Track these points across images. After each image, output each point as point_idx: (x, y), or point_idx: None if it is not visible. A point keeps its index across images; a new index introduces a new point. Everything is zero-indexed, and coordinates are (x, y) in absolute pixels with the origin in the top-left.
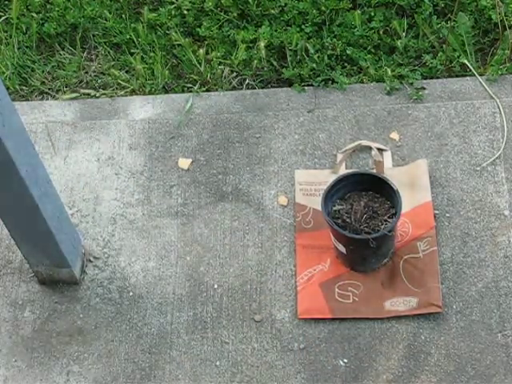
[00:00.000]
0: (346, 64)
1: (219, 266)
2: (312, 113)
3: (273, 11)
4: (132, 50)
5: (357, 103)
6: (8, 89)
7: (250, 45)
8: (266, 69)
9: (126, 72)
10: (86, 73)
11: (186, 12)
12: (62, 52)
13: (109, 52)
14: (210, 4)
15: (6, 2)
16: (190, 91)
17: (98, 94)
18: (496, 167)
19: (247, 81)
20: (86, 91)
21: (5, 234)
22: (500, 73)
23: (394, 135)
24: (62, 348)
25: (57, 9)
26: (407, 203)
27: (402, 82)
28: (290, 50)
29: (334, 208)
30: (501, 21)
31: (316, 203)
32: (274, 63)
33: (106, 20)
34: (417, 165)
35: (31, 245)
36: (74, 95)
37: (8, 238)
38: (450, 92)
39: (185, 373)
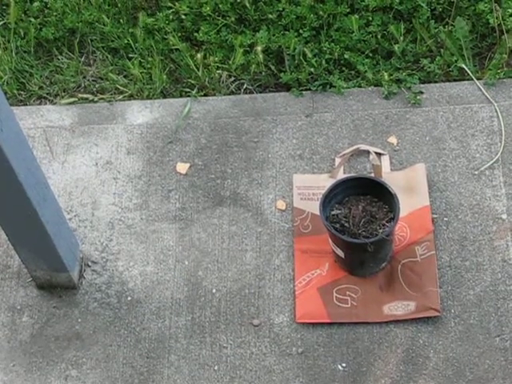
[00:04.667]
0: (343, 68)
1: (217, 270)
2: (310, 117)
3: (271, 16)
4: (130, 55)
5: (355, 107)
6: (6, 94)
7: (248, 49)
8: (263, 73)
9: (124, 77)
10: (84, 77)
11: (183, 17)
12: (59, 57)
13: (107, 57)
14: (208, 9)
15: (4, 7)
16: (188, 96)
17: (95, 99)
18: (494, 171)
19: (245, 85)
20: (84, 96)
21: (3, 238)
22: (498, 77)
23: (392, 139)
24: (60, 352)
25: (55, 14)
26: (405, 207)
27: (399, 87)
28: (288, 54)
29: (332, 212)
30: (498, 25)
31: (314, 207)
32: (272, 68)
33: (103, 25)
34: (415, 169)
35: (29, 250)
36: (72, 100)
37: (6, 243)
38: (447, 96)
39: (183, 377)
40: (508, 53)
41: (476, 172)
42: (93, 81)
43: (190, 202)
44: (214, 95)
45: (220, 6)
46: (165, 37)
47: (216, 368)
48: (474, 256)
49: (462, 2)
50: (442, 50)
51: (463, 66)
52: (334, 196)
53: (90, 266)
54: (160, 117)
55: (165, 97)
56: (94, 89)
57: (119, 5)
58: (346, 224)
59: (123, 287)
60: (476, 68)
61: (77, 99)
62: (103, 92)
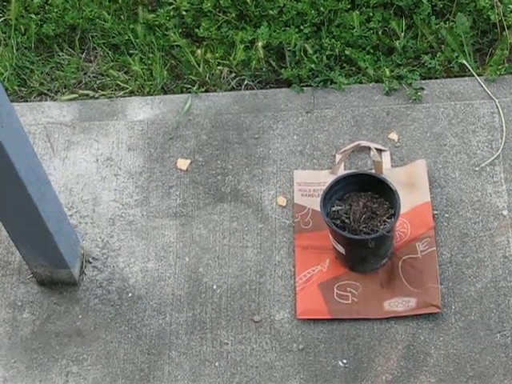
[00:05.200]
0: (344, 64)
1: (218, 266)
2: (311, 113)
3: (271, 12)
4: (130, 51)
5: (355, 104)
6: (7, 90)
7: (249, 45)
8: (264, 69)
9: (125, 73)
10: (85, 74)
11: (184, 13)
12: (60, 53)
13: (107, 53)
14: (209, 5)
15: (5, 3)
16: (189, 92)
17: (96, 95)
18: (495, 167)
19: (246, 81)
20: (85, 92)
21: (4, 235)
22: (499, 73)
23: (393, 136)
24: (61, 349)
25: (55, 10)
26: (406, 203)
27: (400, 83)
28: (289, 50)
29: (333, 208)
30: (499, 21)
31: (315, 204)
32: (273, 64)
33: (104, 21)
34: (416, 165)
35: (30, 246)
36: (72, 96)
37: (7, 240)
38: (448, 92)
39: (184, 373)
40: (509, 49)
41: (477, 168)
42: (93, 77)
43: (191, 199)
44: (215, 91)
45: (221, 1)
46: (165, 33)
47: (217, 364)
48: (474, 252)
49: None
50: (442, 46)
51: (464, 62)
52: (334, 192)
53: (90, 263)
54: (161, 113)
55: (165, 93)
56: (95, 85)
57: (120, 1)
58: (347, 220)
59: (124, 283)
60: (477, 64)
61: (77, 95)
62: (104, 88)
